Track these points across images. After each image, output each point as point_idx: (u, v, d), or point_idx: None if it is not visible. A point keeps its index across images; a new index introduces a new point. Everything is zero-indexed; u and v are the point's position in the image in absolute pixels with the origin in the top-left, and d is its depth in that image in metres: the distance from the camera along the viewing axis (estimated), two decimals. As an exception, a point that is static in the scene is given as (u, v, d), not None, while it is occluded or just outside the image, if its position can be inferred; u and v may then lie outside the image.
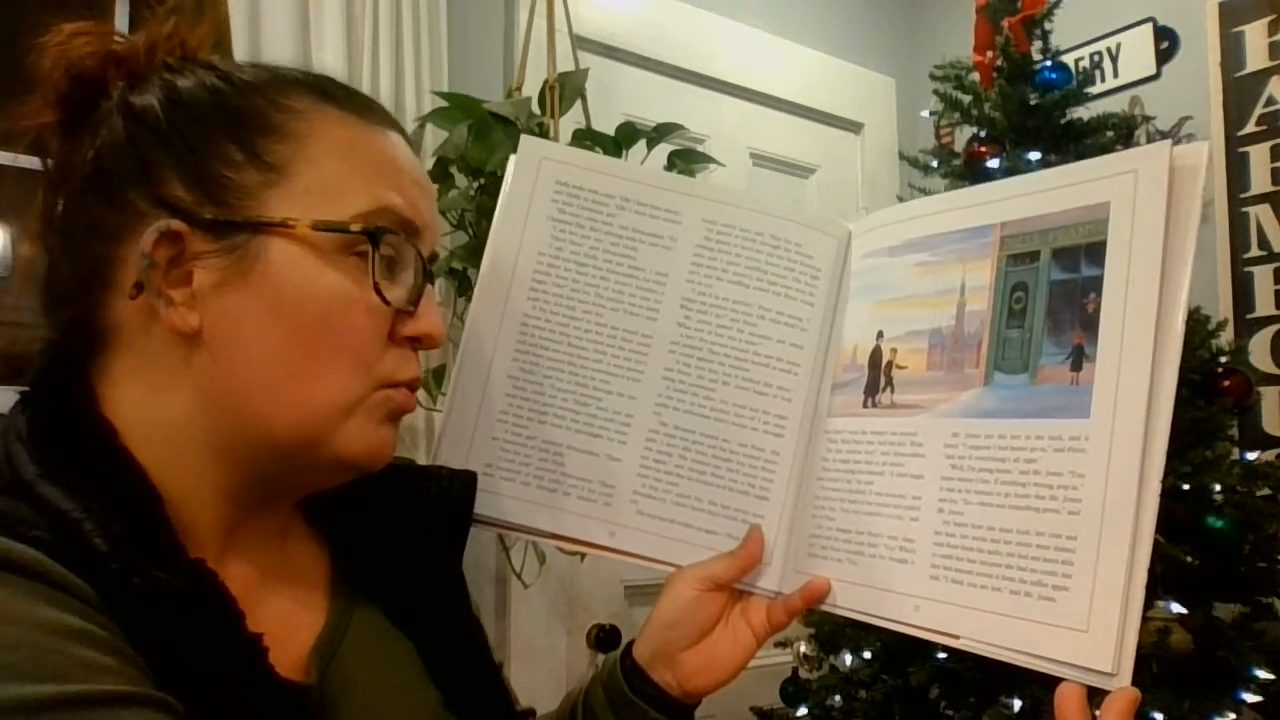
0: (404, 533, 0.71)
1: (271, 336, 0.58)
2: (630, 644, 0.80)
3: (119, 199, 0.58)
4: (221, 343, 0.58)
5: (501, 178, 0.85)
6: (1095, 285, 0.68)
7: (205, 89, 0.61)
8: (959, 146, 1.79)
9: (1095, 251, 0.69)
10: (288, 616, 0.63)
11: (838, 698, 1.65)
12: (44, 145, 0.61)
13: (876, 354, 0.79)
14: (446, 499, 0.73)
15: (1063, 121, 1.69)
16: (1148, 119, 1.90)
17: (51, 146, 0.61)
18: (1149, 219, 0.66)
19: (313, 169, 0.60)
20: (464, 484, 0.74)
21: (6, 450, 0.54)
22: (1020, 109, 1.68)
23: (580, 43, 1.86)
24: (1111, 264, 0.68)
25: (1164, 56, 2.16)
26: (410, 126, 1.58)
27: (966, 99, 1.76)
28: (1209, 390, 1.59)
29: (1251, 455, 1.69)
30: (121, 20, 1.59)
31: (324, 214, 0.59)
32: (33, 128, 0.60)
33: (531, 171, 0.83)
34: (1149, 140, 1.94)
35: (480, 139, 1.52)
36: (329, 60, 1.60)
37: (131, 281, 0.57)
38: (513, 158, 0.84)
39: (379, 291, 0.60)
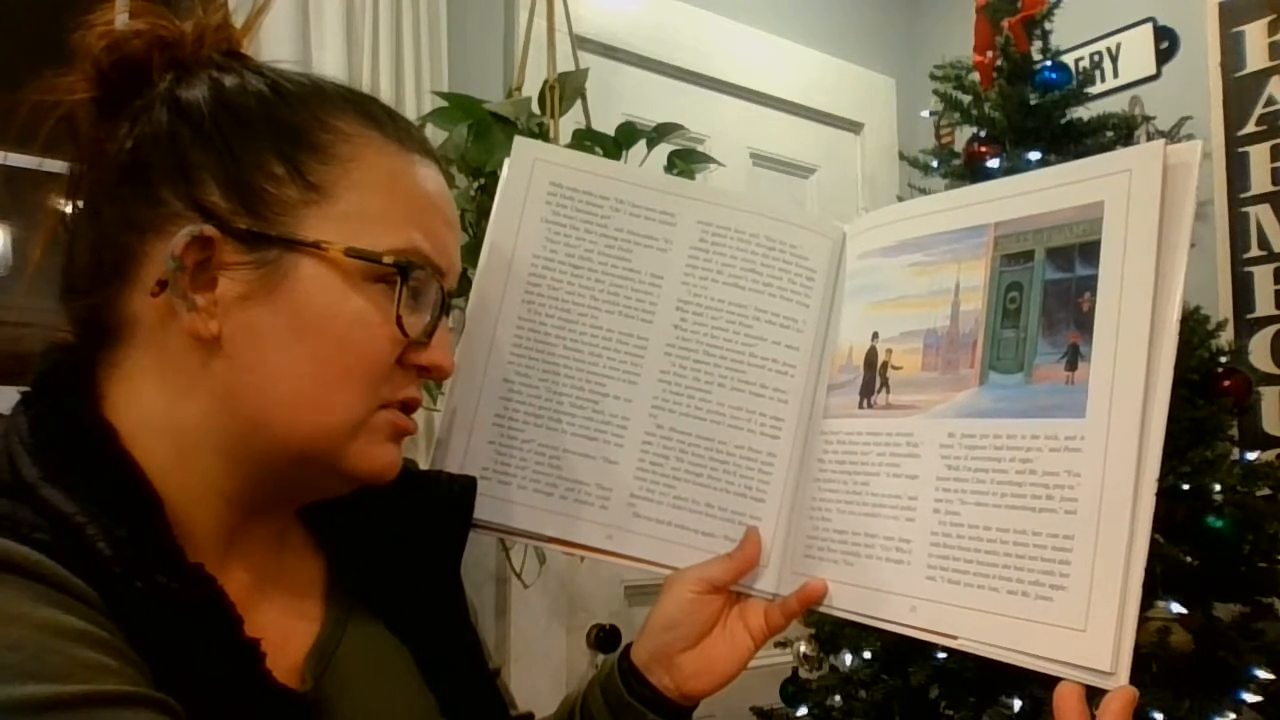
0: (402, 538, 0.71)
1: (291, 353, 0.58)
2: (628, 646, 0.80)
3: (153, 194, 0.58)
4: (240, 353, 0.58)
5: (501, 178, 0.85)
6: (1090, 284, 0.68)
7: (252, 94, 0.60)
8: (959, 146, 1.79)
9: (1090, 251, 0.69)
10: (284, 622, 0.63)
11: (838, 698, 1.65)
12: (73, 124, 0.60)
13: (872, 355, 0.79)
14: (445, 504, 0.73)
15: (1063, 121, 1.69)
16: (1148, 119, 1.89)
17: (83, 126, 0.60)
18: (1143, 218, 0.66)
19: (353, 195, 0.60)
20: (463, 489, 0.74)
21: (8, 452, 0.54)
22: (1020, 109, 1.68)
23: (580, 43, 1.86)
24: (1106, 263, 0.68)
25: (1164, 56, 2.16)
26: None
27: (966, 99, 1.76)
28: (1209, 390, 1.58)
29: (1251, 455, 1.69)
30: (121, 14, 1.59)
31: (358, 242, 0.59)
32: (66, 102, 0.60)
33: (525, 173, 0.83)
34: (1149, 140, 1.94)
35: (480, 139, 1.52)
36: (329, 60, 1.61)
37: (155, 278, 0.57)
38: (507, 159, 0.84)
39: (400, 324, 0.60)
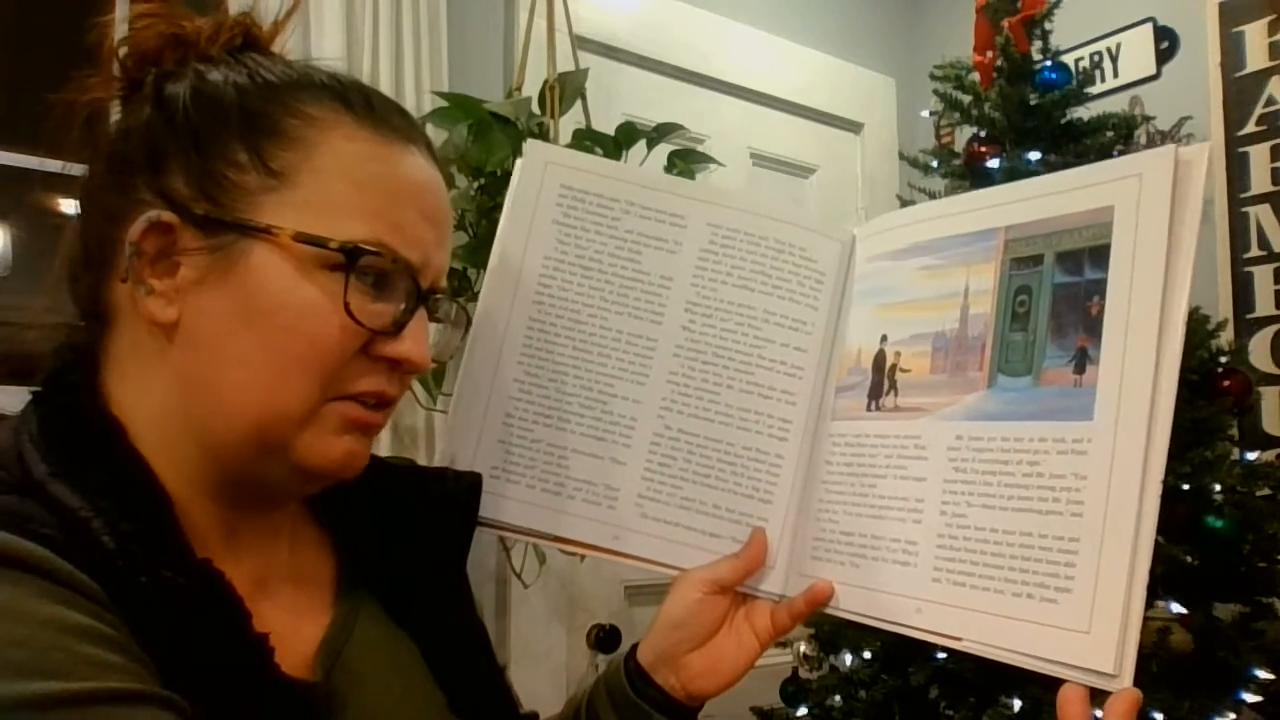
0: (410, 534, 0.71)
1: (241, 340, 0.58)
2: (634, 646, 0.80)
3: (127, 183, 0.59)
4: (196, 339, 0.58)
5: (501, 177, 0.85)
6: (1099, 288, 0.68)
7: (229, 85, 0.60)
8: (959, 146, 1.79)
9: (1099, 255, 0.69)
10: (293, 616, 0.63)
11: (838, 698, 1.65)
12: (94, 123, 0.61)
13: (880, 357, 0.79)
14: (452, 501, 0.73)
15: (1063, 121, 1.69)
16: (1148, 119, 1.89)
17: (105, 125, 0.61)
18: (1153, 223, 0.67)
19: (315, 181, 0.59)
20: (470, 486, 0.74)
21: (18, 449, 0.54)
22: (1020, 109, 1.68)
23: (580, 43, 1.86)
24: (1115, 267, 0.68)
25: (1164, 56, 2.16)
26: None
27: (966, 99, 1.76)
28: (1209, 390, 1.59)
29: (1251, 455, 1.69)
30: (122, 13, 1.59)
31: (312, 228, 0.58)
32: (93, 102, 0.60)
33: (537, 175, 0.83)
34: (1149, 140, 1.94)
35: (480, 139, 1.52)
36: (329, 61, 1.60)
37: (124, 265, 0.58)
38: (519, 161, 0.84)
39: (349, 311, 0.58)
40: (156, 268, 0.57)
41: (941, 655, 1.50)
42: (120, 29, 0.62)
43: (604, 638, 1.98)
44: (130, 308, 0.59)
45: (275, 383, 0.58)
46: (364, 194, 0.60)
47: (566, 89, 1.70)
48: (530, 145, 0.85)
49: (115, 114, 0.62)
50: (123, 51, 0.61)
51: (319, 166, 0.59)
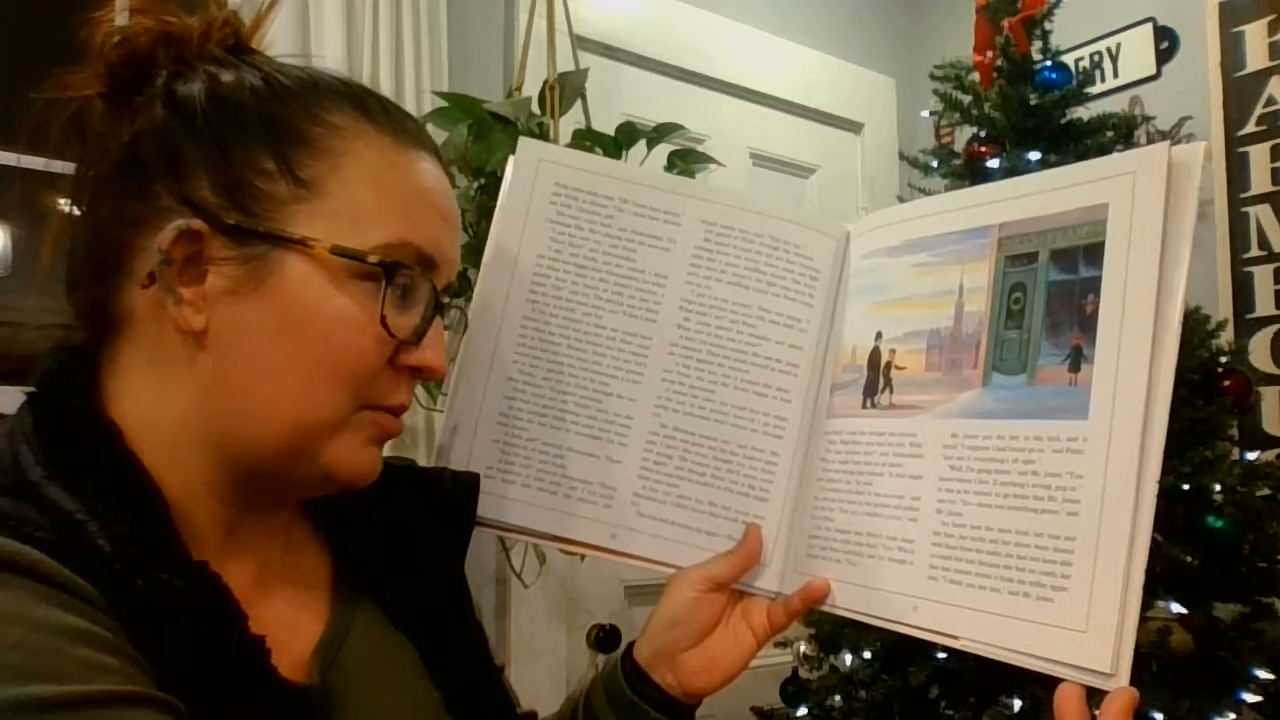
0: (406, 535, 0.71)
1: (274, 350, 0.58)
2: (631, 645, 0.80)
3: (146, 189, 0.58)
4: (225, 348, 0.58)
5: (501, 178, 0.85)
6: (1094, 286, 0.68)
7: (247, 89, 0.60)
8: (959, 146, 1.79)
9: (1093, 253, 0.69)
10: (289, 617, 0.63)
11: (838, 698, 1.65)
12: (81, 122, 0.60)
13: (875, 355, 0.79)
14: (449, 501, 0.73)
15: (1063, 121, 1.69)
16: (1148, 119, 1.89)
17: (91, 124, 0.60)
18: (1147, 220, 0.67)
19: (343, 191, 0.59)
20: (466, 486, 0.74)
21: (13, 451, 0.54)
22: (1020, 109, 1.68)
23: (580, 43, 1.86)
24: (1110, 265, 0.68)
25: (1164, 56, 2.16)
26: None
27: (966, 99, 1.76)
28: (1209, 390, 1.58)
29: (1251, 455, 1.69)
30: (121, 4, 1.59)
31: (346, 239, 0.58)
32: (77, 100, 0.60)
33: (530, 174, 0.83)
34: (1149, 140, 1.94)
35: (480, 139, 1.52)
36: (329, 60, 1.60)
37: (146, 272, 0.57)
38: (511, 159, 0.84)
39: (385, 324, 0.59)
40: (183, 276, 0.57)
41: (942, 655, 1.50)
42: (121, 18, 0.61)
43: (604, 638, 1.98)
44: (150, 315, 0.58)
45: (307, 392, 0.58)
46: (388, 202, 0.61)
47: (566, 89, 1.71)
48: (523, 144, 0.85)
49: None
50: (112, 43, 0.60)
51: (346, 176, 0.60)
